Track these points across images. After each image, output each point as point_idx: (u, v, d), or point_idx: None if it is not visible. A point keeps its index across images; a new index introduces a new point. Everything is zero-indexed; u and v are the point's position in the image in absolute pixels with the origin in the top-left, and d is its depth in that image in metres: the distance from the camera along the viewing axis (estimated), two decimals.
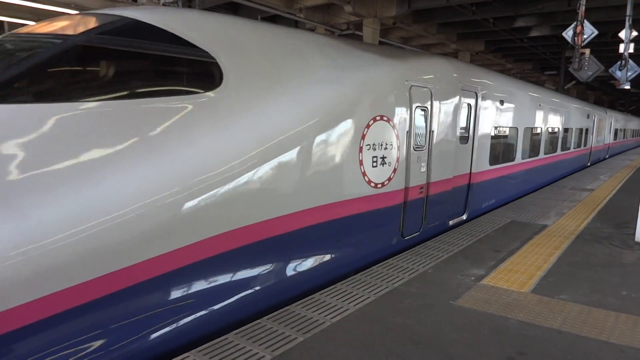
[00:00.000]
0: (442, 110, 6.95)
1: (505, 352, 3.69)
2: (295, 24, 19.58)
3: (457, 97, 7.35)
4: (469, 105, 7.84)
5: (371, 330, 4.01)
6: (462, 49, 24.57)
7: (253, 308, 4.39)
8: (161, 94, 3.78)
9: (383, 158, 5.68)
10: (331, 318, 4.20)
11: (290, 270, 4.77)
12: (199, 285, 3.82)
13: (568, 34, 7.88)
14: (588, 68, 8.06)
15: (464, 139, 7.80)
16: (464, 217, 8.24)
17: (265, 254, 4.43)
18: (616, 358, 3.66)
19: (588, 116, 18.82)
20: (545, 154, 12.83)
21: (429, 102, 6.58)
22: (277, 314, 4.26)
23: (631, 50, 8.56)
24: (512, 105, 9.78)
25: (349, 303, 4.55)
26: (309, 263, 4.98)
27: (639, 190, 12.21)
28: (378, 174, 5.65)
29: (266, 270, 4.47)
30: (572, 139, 16.36)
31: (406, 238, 6.53)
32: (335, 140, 4.98)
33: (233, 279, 4.13)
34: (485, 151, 8.67)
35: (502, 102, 9.08)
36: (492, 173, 9.13)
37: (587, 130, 18.86)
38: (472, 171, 8.17)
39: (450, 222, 7.72)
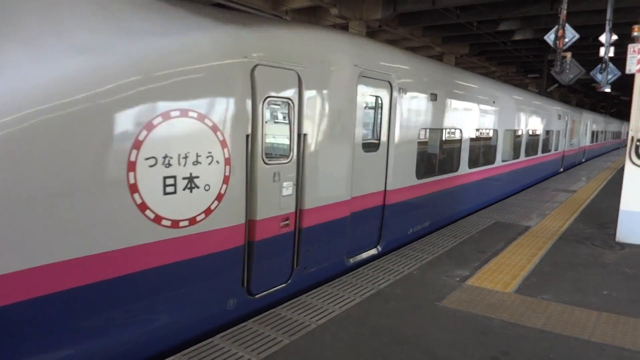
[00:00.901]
0: (323, 104, 4.99)
1: (489, 352, 3.73)
2: None
3: (353, 87, 5.42)
4: (378, 99, 6.02)
5: (357, 331, 4.02)
6: (447, 52, 24.78)
7: None
8: None
9: (191, 179, 3.69)
10: (317, 320, 4.20)
11: None
12: None
13: (550, 37, 8.01)
14: (569, 71, 8.19)
15: (370, 146, 5.98)
16: (377, 249, 6.36)
17: None
18: (597, 356, 3.72)
19: (559, 117, 17.04)
20: (503, 161, 10.94)
21: (295, 92, 4.59)
22: (263, 317, 4.24)
23: (611, 54, 8.72)
24: (452, 102, 7.85)
25: (334, 305, 4.56)
26: None
27: (619, 191, 12.41)
28: (179, 205, 3.65)
29: None
30: (539, 142, 14.42)
31: (258, 296, 4.50)
32: (54, 153, 2.96)
33: None
34: (409, 162, 6.77)
35: (434, 97, 7.14)
36: (421, 189, 7.19)
37: (558, 132, 17.06)
38: (388, 188, 6.29)
39: (351, 260, 5.84)
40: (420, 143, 6.95)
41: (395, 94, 6.13)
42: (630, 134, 6.97)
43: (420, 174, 7.06)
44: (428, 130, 7.21)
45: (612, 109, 47.19)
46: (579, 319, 4.37)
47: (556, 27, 7.89)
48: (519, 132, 12.07)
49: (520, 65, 29.88)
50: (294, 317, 4.26)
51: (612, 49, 8.74)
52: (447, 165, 8.15)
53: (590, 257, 6.37)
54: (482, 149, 9.57)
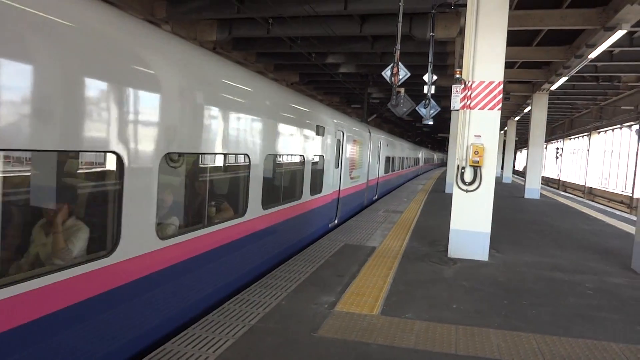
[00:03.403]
0: None
1: None
2: None
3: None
4: None
5: None
6: (279, 79, 25.63)
7: None
8: None
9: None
10: None
11: None
12: None
13: (386, 73, 8.80)
14: (403, 105, 9.12)
15: None
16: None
17: None
18: None
19: (319, 131, 9.20)
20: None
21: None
22: None
23: (433, 92, 9.96)
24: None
25: (207, 350, 4.13)
26: None
27: (436, 211, 14.19)
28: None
29: None
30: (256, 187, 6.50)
31: None
32: None
33: None
34: None
35: None
36: None
37: (323, 160, 9.74)
38: None
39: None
40: None
41: None
42: (456, 162, 7.97)
43: None
44: None
45: (416, 138, 54.38)
46: (442, 335, 4.70)
47: (392, 64, 8.69)
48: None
49: (343, 96, 32.42)
50: None
51: (433, 87, 9.98)
52: None
53: (433, 274, 7.02)
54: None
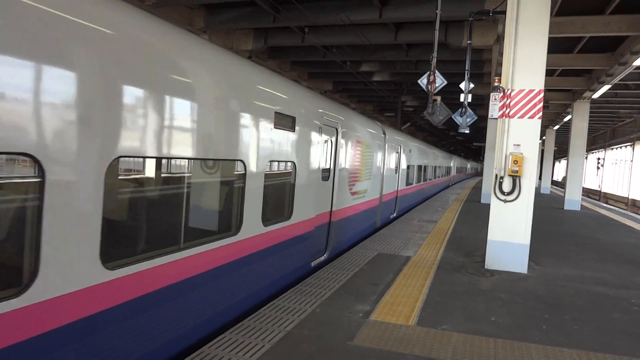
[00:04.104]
0: None
1: None
2: None
3: None
4: None
5: None
6: (313, 87, 25.82)
7: None
8: None
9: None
10: None
11: None
12: None
13: (423, 81, 8.73)
14: (439, 113, 9.03)
15: None
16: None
17: None
18: None
19: (284, 122, 6.14)
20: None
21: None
22: None
23: (469, 100, 9.83)
24: None
25: (243, 355, 4.17)
26: None
27: (472, 221, 13.93)
28: None
29: None
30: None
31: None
32: None
33: None
34: None
35: None
36: None
37: (295, 169, 6.66)
38: None
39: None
40: None
41: None
42: (494, 171, 7.83)
43: None
44: None
45: (450, 147, 53.69)
46: (481, 348, 4.61)
47: (428, 72, 8.63)
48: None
49: (377, 104, 32.36)
50: None
51: (469, 95, 9.85)
52: None
53: (470, 285, 6.88)
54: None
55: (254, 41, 18.06)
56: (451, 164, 36.58)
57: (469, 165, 63.64)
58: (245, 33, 17.96)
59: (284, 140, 6.14)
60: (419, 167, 19.41)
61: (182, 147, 4.14)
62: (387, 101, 28.11)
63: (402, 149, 14.99)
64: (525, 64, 7.58)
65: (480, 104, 25.09)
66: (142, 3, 12.41)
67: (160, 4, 12.59)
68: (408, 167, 16.52)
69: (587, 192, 44.09)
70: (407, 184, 16.63)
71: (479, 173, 73.86)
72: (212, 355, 4.12)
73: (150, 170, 4.61)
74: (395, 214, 14.83)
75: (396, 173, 14.40)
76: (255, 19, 14.46)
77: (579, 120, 20.84)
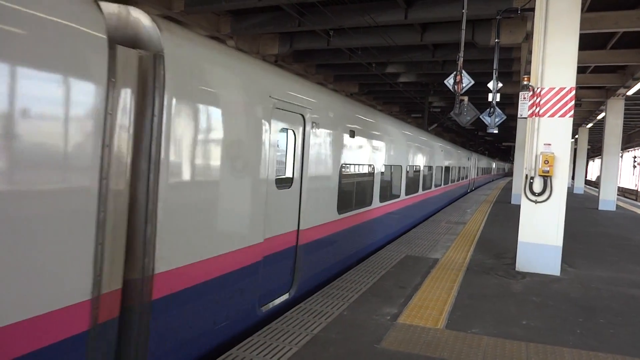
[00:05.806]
0: None
1: None
2: None
3: None
4: None
5: None
6: (339, 90, 25.83)
7: None
8: None
9: None
10: None
11: None
12: None
13: (449, 82, 8.63)
14: (467, 113, 8.90)
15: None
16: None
17: None
18: None
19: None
20: None
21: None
22: None
23: (498, 99, 9.65)
24: None
25: (271, 358, 4.19)
26: None
27: (502, 222, 13.67)
28: None
29: None
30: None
31: None
32: None
33: None
34: None
35: None
36: None
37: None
38: None
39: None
40: None
41: None
42: (525, 172, 7.66)
43: None
44: None
45: (478, 147, 52.79)
46: (512, 352, 4.51)
47: (454, 72, 8.52)
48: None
49: (403, 105, 32.12)
50: None
51: (498, 95, 9.67)
52: None
53: (500, 288, 6.75)
54: None
55: (280, 45, 18.20)
56: (469, 164, 27.96)
57: (494, 165, 54.93)
58: (271, 38, 18.11)
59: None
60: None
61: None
62: (414, 102, 27.86)
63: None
64: (555, 61, 7.40)
65: (509, 103, 24.60)
66: (170, 11, 12.68)
67: (188, 11, 12.83)
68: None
69: (624, 192, 42.66)
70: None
71: (508, 173, 71.86)
72: (240, 357, 4.16)
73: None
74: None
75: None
76: (281, 23, 14.57)
77: (613, 117, 20.20)
